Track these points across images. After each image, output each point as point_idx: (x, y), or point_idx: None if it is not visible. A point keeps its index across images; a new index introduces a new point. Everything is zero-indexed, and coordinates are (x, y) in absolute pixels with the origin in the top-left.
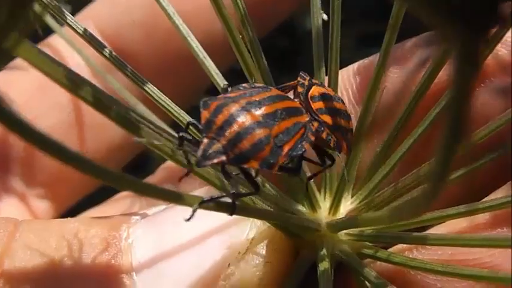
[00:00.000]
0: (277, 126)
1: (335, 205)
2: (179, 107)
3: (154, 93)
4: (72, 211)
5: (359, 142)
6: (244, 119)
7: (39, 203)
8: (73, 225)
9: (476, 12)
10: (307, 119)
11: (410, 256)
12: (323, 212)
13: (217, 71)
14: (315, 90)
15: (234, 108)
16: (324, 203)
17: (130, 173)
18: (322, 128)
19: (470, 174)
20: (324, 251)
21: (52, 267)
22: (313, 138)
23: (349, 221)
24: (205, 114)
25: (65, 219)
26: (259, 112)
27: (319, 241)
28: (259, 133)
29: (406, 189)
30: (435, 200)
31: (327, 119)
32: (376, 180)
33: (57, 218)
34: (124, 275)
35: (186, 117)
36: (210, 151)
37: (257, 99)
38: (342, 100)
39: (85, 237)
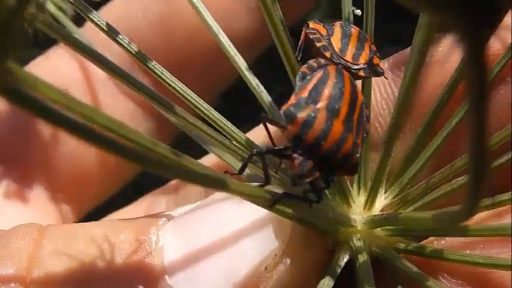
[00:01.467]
0: (354, 125)
1: (370, 200)
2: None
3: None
4: (91, 216)
5: (394, 137)
6: (334, 133)
7: (59, 208)
8: (100, 229)
9: (480, 6)
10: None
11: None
12: (358, 208)
13: (248, 68)
14: (336, 41)
15: (321, 120)
16: (358, 198)
17: None
18: (369, 72)
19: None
20: (362, 248)
21: (82, 275)
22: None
23: (390, 219)
24: (293, 130)
25: (91, 223)
26: (341, 117)
27: (356, 237)
28: (349, 142)
29: (441, 183)
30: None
31: (363, 58)
32: (409, 175)
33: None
34: (157, 280)
35: (216, 115)
36: (305, 169)
37: (331, 93)
38: (342, 23)
39: (114, 242)
